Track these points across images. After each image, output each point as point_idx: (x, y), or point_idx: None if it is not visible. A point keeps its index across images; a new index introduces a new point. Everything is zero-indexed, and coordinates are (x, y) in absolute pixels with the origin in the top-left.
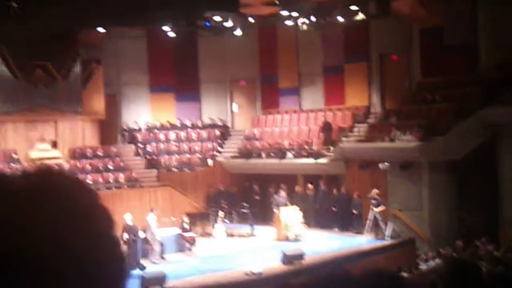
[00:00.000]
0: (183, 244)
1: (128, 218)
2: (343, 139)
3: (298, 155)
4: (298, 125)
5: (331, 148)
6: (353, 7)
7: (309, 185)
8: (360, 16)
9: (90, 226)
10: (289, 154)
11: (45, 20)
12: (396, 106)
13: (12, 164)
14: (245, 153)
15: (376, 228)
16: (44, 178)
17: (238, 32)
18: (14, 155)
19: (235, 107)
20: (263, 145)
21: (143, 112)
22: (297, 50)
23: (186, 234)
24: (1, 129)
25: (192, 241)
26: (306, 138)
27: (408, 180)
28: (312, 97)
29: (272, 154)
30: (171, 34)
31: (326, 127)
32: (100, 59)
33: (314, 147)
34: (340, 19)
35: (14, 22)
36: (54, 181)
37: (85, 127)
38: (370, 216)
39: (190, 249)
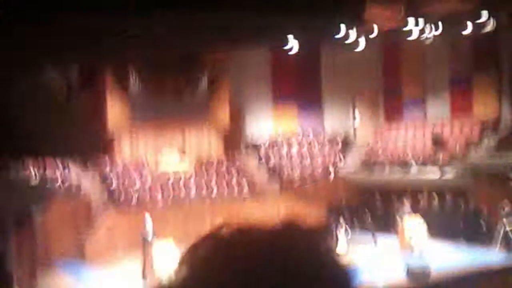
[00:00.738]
0: None
1: None
2: (472, 151)
3: (422, 168)
4: (423, 137)
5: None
6: (483, 18)
7: (434, 197)
8: (490, 26)
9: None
10: (414, 167)
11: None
12: None
13: (142, 171)
14: (368, 166)
15: (507, 243)
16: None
17: (362, 44)
18: (144, 164)
19: (357, 117)
20: (387, 157)
21: (266, 123)
22: (423, 61)
23: None
24: (131, 137)
25: None
26: (431, 151)
27: None
28: (438, 109)
29: (395, 167)
30: (295, 47)
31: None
32: (226, 71)
33: (439, 160)
34: (469, 29)
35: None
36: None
37: (211, 138)
38: (500, 229)
39: None
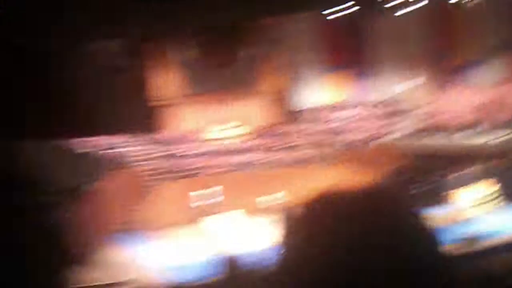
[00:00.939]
0: None
1: None
2: None
3: (477, 133)
4: (477, 101)
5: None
6: None
7: (490, 163)
8: None
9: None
10: (468, 132)
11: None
12: None
13: (194, 143)
14: (421, 131)
15: None
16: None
17: (414, 8)
18: (195, 135)
19: (413, 83)
20: (440, 122)
21: (316, 92)
22: (477, 22)
23: None
24: (186, 109)
25: None
26: (486, 115)
27: None
28: (493, 72)
29: (449, 132)
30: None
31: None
32: (277, 39)
33: (495, 124)
34: None
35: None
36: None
37: (263, 108)
38: None
39: None
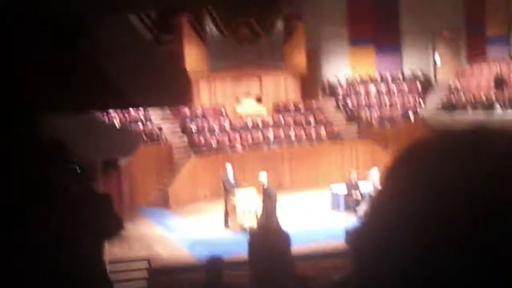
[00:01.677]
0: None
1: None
2: None
3: (507, 107)
4: (509, 75)
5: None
6: None
7: None
8: None
9: None
10: (498, 107)
11: None
12: None
13: (221, 118)
14: (449, 107)
15: None
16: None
17: None
18: (222, 110)
19: (437, 58)
20: (469, 97)
21: (343, 66)
22: None
23: (353, 192)
24: (210, 85)
25: (354, 202)
26: None
27: None
28: None
29: (478, 107)
30: None
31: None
32: (301, 14)
33: None
34: None
35: None
36: None
37: (287, 82)
38: None
39: (354, 209)
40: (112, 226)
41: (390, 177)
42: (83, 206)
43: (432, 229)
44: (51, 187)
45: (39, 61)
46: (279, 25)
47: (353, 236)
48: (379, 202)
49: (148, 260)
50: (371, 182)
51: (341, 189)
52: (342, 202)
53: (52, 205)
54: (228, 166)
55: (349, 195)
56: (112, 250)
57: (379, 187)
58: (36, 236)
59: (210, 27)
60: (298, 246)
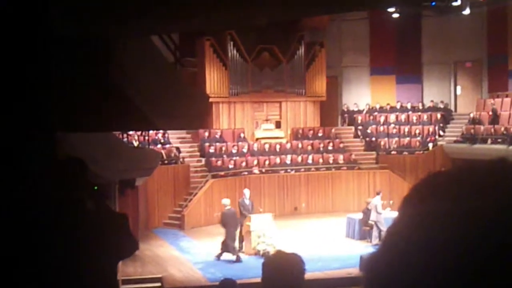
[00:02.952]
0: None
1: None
2: None
3: None
4: None
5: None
6: None
7: None
8: None
9: None
10: None
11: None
12: None
13: (240, 142)
14: (469, 138)
15: None
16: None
17: (466, 11)
18: (241, 134)
19: (458, 89)
20: (489, 129)
21: (363, 94)
22: None
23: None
24: (230, 109)
25: (369, 230)
26: None
27: None
28: None
29: (499, 140)
30: (395, 15)
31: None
32: (323, 41)
33: None
34: None
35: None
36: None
37: (307, 108)
38: None
39: (369, 237)
40: (126, 246)
41: (408, 206)
42: (99, 224)
43: (449, 259)
44: (69, 205)
45: (63, 82)
46: (301, 51)
47: (367, 263)
48: (395, 231)
49: (161, 281)
50: (373, 209)
51: (356, 216)
52: (357, 229)
53: (68, 222)
54: (246, 191)
55: (364, 223)
56: (125, 270)
57: (381, 212)
58: (50, 253)
59: (232, 52)
60: (312, 272)
